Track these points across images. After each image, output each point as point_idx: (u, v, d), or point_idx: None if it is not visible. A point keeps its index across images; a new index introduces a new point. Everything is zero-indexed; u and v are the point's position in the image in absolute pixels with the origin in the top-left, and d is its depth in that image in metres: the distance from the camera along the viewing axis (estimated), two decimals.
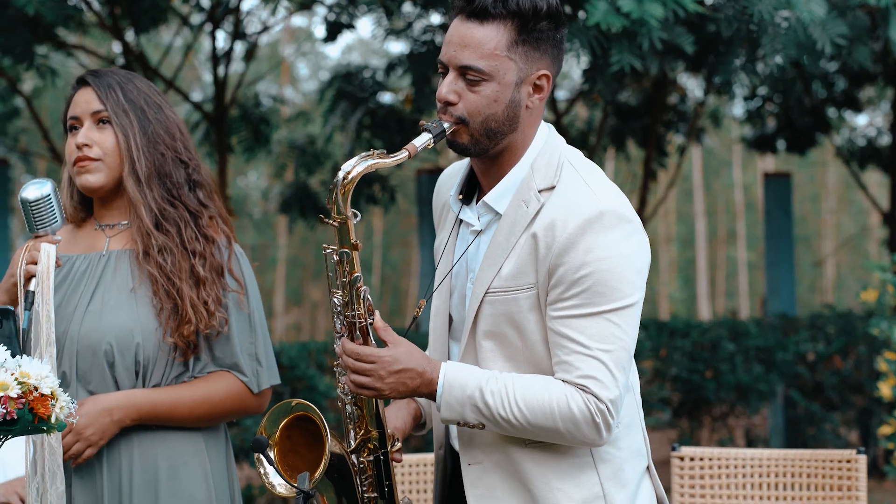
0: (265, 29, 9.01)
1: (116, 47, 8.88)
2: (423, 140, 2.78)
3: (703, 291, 28.80)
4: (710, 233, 30.56)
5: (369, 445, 2.92)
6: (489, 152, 2.83)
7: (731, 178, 29.50)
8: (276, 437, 2.90)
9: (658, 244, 30.52)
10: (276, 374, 3.37)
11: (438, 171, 9.93)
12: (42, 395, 2.69)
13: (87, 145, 3.24)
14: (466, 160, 2.95)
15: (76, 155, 3.26)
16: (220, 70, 8.68)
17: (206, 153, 9.69)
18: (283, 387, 8.18)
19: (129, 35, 8.79)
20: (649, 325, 10.39)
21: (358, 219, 2.80)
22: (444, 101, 2.78)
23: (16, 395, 2.65)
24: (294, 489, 2.82)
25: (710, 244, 30.48)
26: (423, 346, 2.95)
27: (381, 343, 2.83)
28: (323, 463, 2.80)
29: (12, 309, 2.85)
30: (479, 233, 2.88)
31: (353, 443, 2.92)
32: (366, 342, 2.82)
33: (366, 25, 10.30)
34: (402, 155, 2.77)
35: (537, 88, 2.83)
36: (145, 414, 3.19)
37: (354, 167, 2.76)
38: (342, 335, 2.84)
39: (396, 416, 3.04)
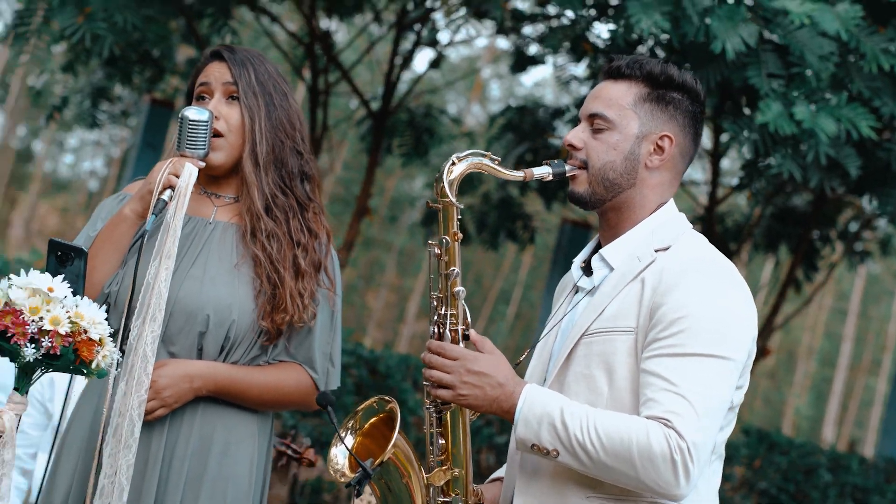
0: (450, 43, 9.05)
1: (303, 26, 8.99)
2: (541, 171, 2.88)
3: (832, 414, 28.13)
4: (855, 357, 29.83)
5: (450, 491, 2.89)
6: (605, 205, 2.89)
7: (891, 309, 28.79)
8: (364, 430, 2.92)
9: (798, 355, 29.91)
10: (339, 377, 3.42)
11: (584, 224, 9.88)
12: (90, 339, 2.75)
13: (215, 118, 3.28)
14: (592, 240, 2.99)
15: None
16: (396, 72, 8.75)
17: (363, 149, 9.78)
18: (374, 393, 8.21)
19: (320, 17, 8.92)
20: (751, 431, 10.16)
21: (461, 207, 2.83)
22: (569, 144, 2.90)
23: (64, 333, 2.71)
24: (359, 465, 2.80)
25: (851, 369, 29.75)
26: None
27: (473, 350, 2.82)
28: (384, 452, 2.79)
29: (85, 250, 2.90)
30: (589, 291, 2.90)
31: (431, 475, 2.89)
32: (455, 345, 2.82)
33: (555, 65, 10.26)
34: (517, 175, 2.89)
35: (658, 148, 2.90)
36: (222, 388, 3.23)
37: (463, 159, 2.87)
38: (433, 337, 2.83)
39: (489, 490, 3.02)
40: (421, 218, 10.29)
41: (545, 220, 10.27)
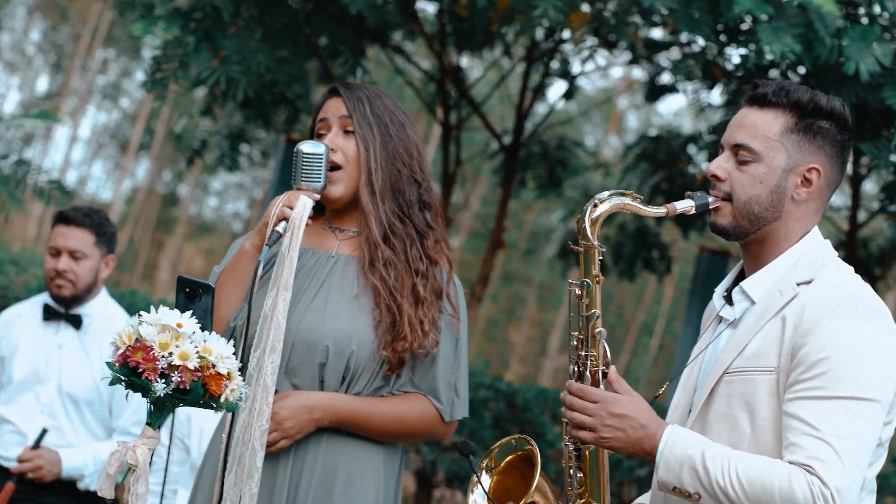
0: (581, 73, 9.03)
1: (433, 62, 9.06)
2: (684, 205, 2.81)
3: None
4: None
5: None
6: (748, 237, 2.84)
7: None
8: (499, 469, 2.93)
9: None
10: (467, 407, 3.40)
11: (723, 253, 9.74)
12: (218, 373, 2.79)
13: (332, 150, 3.33)
14: (735, 267, 2.96)
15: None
16: (527, 105, 8.76)
17: (497, 183, 9.79)
18: (513, 426, 8.19)
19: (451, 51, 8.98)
20: None
21: (603, 250, 2.81)
22: (713, 175, 2.83)
23: (193, 368, 2.76)
24: None
25: None
26: None
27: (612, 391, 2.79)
28: (525, 497, 2.80)
29: (212, 286, 2.95)
30: (731, 322, 2.85)
31: None
32: (595, 386, 2.79)
33: (689, 94, 10.19)
34: (660, 211, 2.83)
35: (806, 181, 2.82)
36: (343, 419, 3.26)
37: (605, 201, 2.81)
38: (573, 378, 2.82)
39: None
40: (557, 251, 10.25)
41: (683, 250, 10.13)
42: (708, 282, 9.50)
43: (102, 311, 4.92)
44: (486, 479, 2.91)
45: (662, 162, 9.82)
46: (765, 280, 2.83)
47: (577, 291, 2.82)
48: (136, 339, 2.76)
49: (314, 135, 3.41)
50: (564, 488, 2.90)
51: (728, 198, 2.80)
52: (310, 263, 3.35)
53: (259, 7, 7.34)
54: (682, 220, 9.82)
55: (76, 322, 4.87)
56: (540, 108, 9.95)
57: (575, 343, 2.82)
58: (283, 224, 3.24)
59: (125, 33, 30.62)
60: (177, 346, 2.75)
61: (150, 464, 4.61)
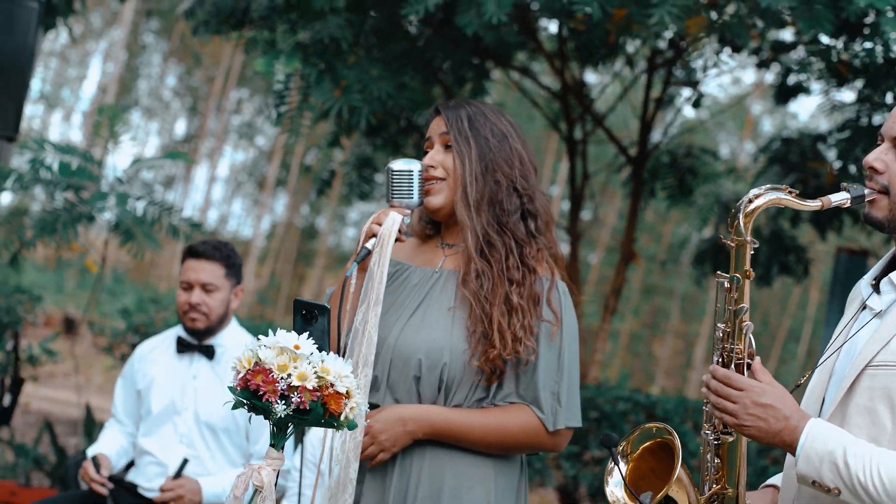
0: (702, 81, 8.93)
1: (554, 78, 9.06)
2: (839, 198, 2.78)
3: None
4: None
5: None
6: None
7: None
8: (635, 455, 2.93)
9: None
10: (577, 416, 3.37)
11: (861, 252, 9.54)
12: (337, 392, 2.82)
13: (431, 166, 3.39)
14: (885, 256, 2.92)
15: (424, 175, 3.40)
16: (651, 115, 8.70)
17: (627, 193, 9.74)
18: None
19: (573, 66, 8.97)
20: None
21: (755, 245, 2.80)
22: (870, 167, 2.80)
23: (312, 388, 2.80)
24: (636, 499, 2.82)
25: None
26: None
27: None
28: (666, 487, 2.80)
29: (328, 307, 3.00)
30: (878, 313, 2.82)
31: (706, 492, 2.88)
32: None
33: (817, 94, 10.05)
34: (815, 204, 2.79)
35: None
36: (438, 430, 3.27)
37: (760, 196, 2.80)
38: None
39: (761, 499, 2.99)
40: (691, 259, 10.15)
41: (822, 252, 9.95)
42: (847, 283, 9.30)
43: (234, 341, 5.01)
44: (621, 466, 2.91)
45: (795, 164, 9.67)
46: None
47: (726, 285, 2.81)
48: (256, 363, 2.81)
49: (423, 153, 3.46)
50: (701, 474, 2.90)
51: (885, 190, 2.78)
52: (415, 280, 3.41)
53: (377, 36, 7.42)
54: (818, 222, 9.65)
55: (209, 353, 4.98)
56: (667, 118, 9.86)
57: (721, 335, 2.81)
58: (371, 241, 3.30)
59: (256, 73, 31.14)
60: (295, 368, 2.80)
61: (288, 488, 4.68)
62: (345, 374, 2.83)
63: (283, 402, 2.78)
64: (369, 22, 7.32)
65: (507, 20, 6.61)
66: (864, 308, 2.88)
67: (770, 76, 9.59)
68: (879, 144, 2.83)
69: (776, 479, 3.07)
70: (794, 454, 2.71)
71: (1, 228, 7.51)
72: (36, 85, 29.11)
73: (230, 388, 2.84)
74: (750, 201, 2.80)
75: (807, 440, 2.68)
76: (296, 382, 2.78)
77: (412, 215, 3.43)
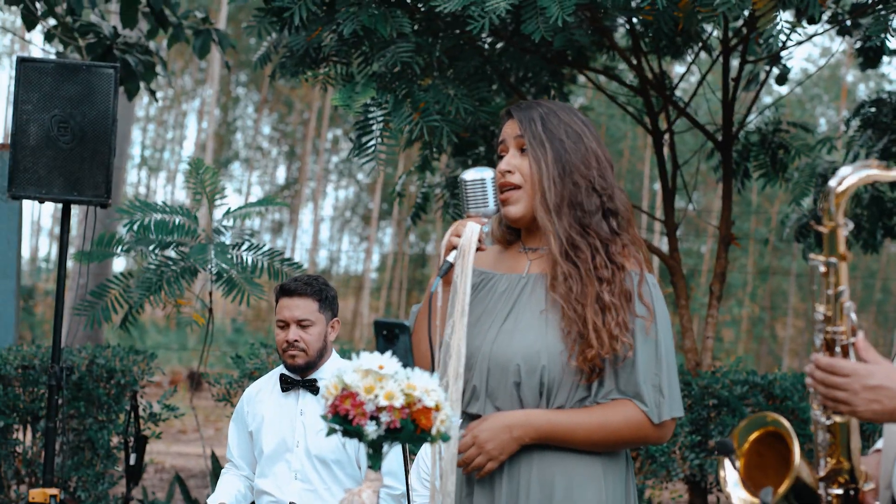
0: (779, 52, 8.83)
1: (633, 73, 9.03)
2: None
3: None
4: None
5: (840, 479, 2.85)
6: None
7: None
8: (745, 448, 2.91)
9: None
10: (680, 406, 3.35)
11: None
12: (425, 407, 2.85)
13: (508, 171, 3.37)
14: None
15: (500, 181, 3.39)
16: (731, 95, 8.62)
17: (719, 178, 9.66)
18: None
19: (653, 59, 8.93)
20: None
21: (850, 228, 2.76)
22: None
23: (400, 406, 2.83)
24: (757, 499, 2.80)
25: None
26: None
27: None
28: (788, 480, 2.77)
29: (408, 325, 3.03)
30: None
31: (821, 471, 2.86)
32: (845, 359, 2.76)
33: None
34: None
35: None
36: (543, 434, 3.27)
37: (849, 176, 2.75)
38: (820, 352, 2.79)
39: (876, 467, 2.97)
40: (792, 234, 10.02)
41: None
42: None
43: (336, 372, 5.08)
44: (731, 468, 2.88)
45: (888, 125, 9.51)
46: None
47: (823, 269, 2.78)
48: (343, 388, 2.85)
49: (498, 158, 3.45)
50: (815, 451, 2.88)
51: None
52: (502, 287, 3.41)
53: (448, 54, 7.47)
54: None
55: (313, 387, 5.05)
56: (749, 98, 9.75)
57: (822, 317, 2.79)
58: (452, 254, 3.31)
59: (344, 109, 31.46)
60: (381, 388, 2.82)
61: None
62: (431, 388, 2.86)
63: (374, 422, 2.82)
64: (439, 43, 7.37)
65: (572, 21, 6.61)
66: None
67: (856, 42, 9.43)
68: None
69: (882, 443, 3.04)
70: None
71: (113, 292, 7.68)
72: (136, 150, 29.70)
73: (322, 417, 2.89)
74: (839, 183, 2.74)
75: None
76: (383, 402, 2.81)
77: (490, 223, 3.43)
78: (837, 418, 2.80)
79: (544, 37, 6.58)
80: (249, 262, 7.60)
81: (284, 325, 5.03)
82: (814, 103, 28.68)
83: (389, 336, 3.04)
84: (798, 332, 29.20)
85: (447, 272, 3.32)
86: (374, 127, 7.22)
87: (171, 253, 7.61)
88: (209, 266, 7.46)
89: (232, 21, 27.29)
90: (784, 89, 17.27)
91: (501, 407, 3.31)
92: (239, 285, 7.45)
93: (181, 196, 30.53)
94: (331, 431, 2.89)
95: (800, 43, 8.77)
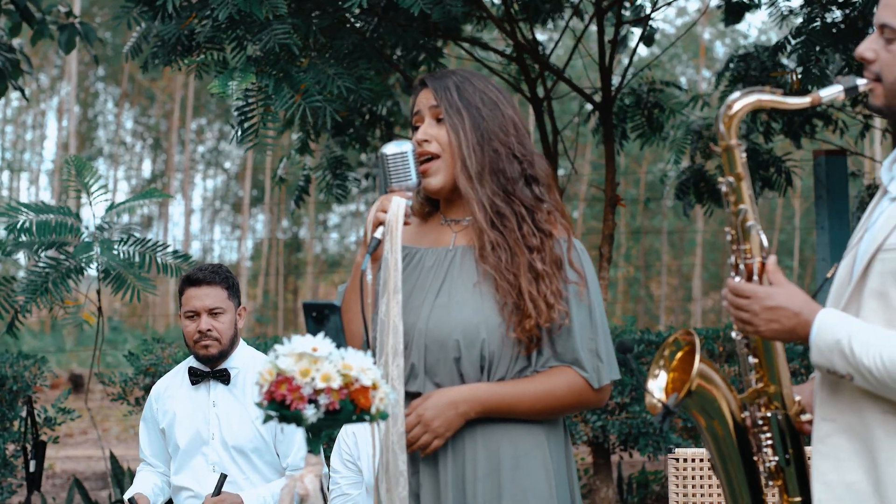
0: (654, 9, 8.93)
1: (508, 40, 9.07)
2: (831, 91, 2.84)
3: None
4: None
5: (769, 405, 2.94)
6: None
7: None
8: (673, 365, 3.01)
9: None
10: (616, 368, 3.37)
11: (839, 152, 9.56)
12: (363, 386, 2.82)
13: (426, 140, 3.34)
14: None
15: (417, 151, 3.35)
16: (607, 59, 8.70)
17: (598, 142, 9.74)
18: None
19: (524, 27, 8.97)
20: None
21: (743, 148, 2.88)
22: (860, 57, 2.84)
23: (338, 387, 2.79)
24: (657, 401, 2.94)
25: None
26: None
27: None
28: (687, 384, 2.88)
29: (338, 304, 3.00)
30: (894, 198, 2.86)
31: (745, 392, 2.96)
32: (750, 279, 2.86)
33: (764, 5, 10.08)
34: (804, 101, 2.84)
35: None
36: (489, 407, 3.26)
37: (738, 100, 2.86)
38: (732, 273, 2.90)
39: (804, 390, 3.04)
40: (674, 193, 10.16)
41: (801, 160, 9.97)
42: (831, 184, 9.33)
43: (247, 361, 5.02)
44: (663, 376, 3.01)
45: (756, 79, 9.67)
46: None
47: (724, 189, 2.90)
48: (278, 373, 2.81)
49: (413, 129, 3.42)
50: (743, 377, 2.99)
51: (878, 78, 2.81)
52: (430, 262, 3.38)
53: (325, 34, 7.41)
54: (792, 130, 9.66)
55: (224, 377, 4.98)
56: (624, 60, 9.86)
57: (729, 238, 2.90)
58: (380, 229, 3.27)
59: (212, 98, 31.17)
60: (317, 370, 2.79)
61: (329, 491, 4.70)
62: (367, 366, 2.83)
63: (312, 406, 2.78)
64: (315, 23, 7.30)
65: None
66: (885, 194, 2.92)
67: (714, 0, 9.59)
68: (871, 34, 2.87)
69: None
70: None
71: None
72: None
73: (257, 405, 2.84)
74: (729, 106, 2.85)
75: (817, 332, 2.76)
76: (320, 385, 2.77)
77: (413, 195, 3.39)
78: (737, 336, 2.94)
79: (423, 10, 6.57)
80: (136, 257, 7.46)
81: (194, 315, 4.95)
82: (673, 63, 29.09)
83: (319, 317, 3.00)
84: (672, 289, 29.68)
85: (376, 249, 3.28)
86: (255, 113, 7.13)
87: (54, 253, 7.43)
88: (95, 264, 7.30)
89: (86, 14, 26.77)
90: (646, 51, 17.50)
91: (442, 383, 3.29)
92: (128, 282, 7.31)
93: (46, 196, 29.90)
94: (267, 418, 2.84)
95: (668, 3, 8.88)
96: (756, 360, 2.95)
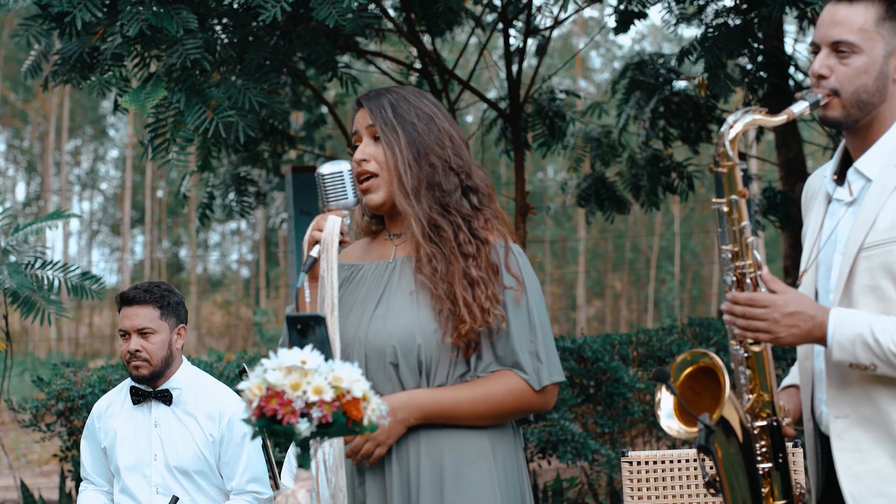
0: (557, 24, 9.02)
1: (413, 52, 9.08)
2: (800, 107, 3.03)
3: None
4: None
5: (761, 413, 3.04)
6: (859, 124, 3.04)
7: None
8: (679, 383, 3.06)
9: None
10: (559, 370, 3.39)
11: (741, 156, 9.74)
12: (354, 398, 2.78)
13: (364, 160, 3.39)
14: (838, 150, 3.20)
15: (356, 171, 3.40)
16: (515, 68, 8.75)
17: (503, 151, 9.78)
18: (587, 380, 8.19)
19: (426, 39, 8.97)
20: None
21: (744, 166, 2.99)
22: (817, 75, 3.03)
23: (330, 399, 2.75)
24: (698, 424, 2.94)
25: None
26: None
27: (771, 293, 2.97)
28: (720, 406, 2.93)
29: (323, 316, 2.96)
30: (851, 202, 3.06)
31: (746, 405, 3.05)
32: (755, 291, 2.98)
33: (658, 12, 10.29)
34: (782, 117, 3.03)
35: None
36: (428, 412, 3.28)
37: (737, 121, 3.00)
38: (731, 289, 3.00)
39: (788, 401, 3.19)
40: (577, 200, 10.24)
41: (697, 166, 10.14)
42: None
43: (188, 380, 4.92)
44: (668, 397, 3.03)
45: (655, 85, 9.81)
46: (877, 157, 3.04)
47: (725, 209, 2.99)
48: (267, 388, 2.75)
49: (352, 149, 3.45)
50: (738, 387, 3.07)
51: (835, 93, 3.01)
52: (371, 275, 3.42)
53: (235, 49, 7.33)
54: (689, 137, 9.82)
55: (166, 398, 4.88)
56: (526, 69, 9.92)
57: (729, 255, 2.99)
58: (316, 248, 3.31)
59: (87, 118, 30.68)
60: (308, 383, 2.74)
61: None
62: (357, 378, 2.79)
63: (305, 419, 2.73)
64: (223, 38, 7.22)
65: (364, 2, 6.57)
66: (832, 202, 3.12)
67: (592, 11, 9.71)
68: (814, 53, 3.07)
69: (792, 378, 3.28)
70: (825, 346, 2.93)
71: None
72: None
73: (245, 421, 2.77)
74: (730, 127, 2.98)
75: (835, 330, 2.91)
76: (312, 398, 2.72)
77: (351, 215, 3.44)
78: (756, 349, 3.01)
79: (338, 22, 6.53)
80: (45, 280, 7.28)
81: (126, 335, 4.85)
82: (548, 71, 29.44)
83: (304, 329, 2.95)
84: (556, 298, 29.95)
85: (311, 267, 3.31)
86: (166, 128, 7.02)
87: None
88: (3, 286, 7.11)
89: None
90: (534, 61, 17.61)
91: (382, 391, 3.30)
92: (39, 305, 7.12)
93: None
94: (256, 434, 2.78)
95: (574, 12, 8.95)
96: (750, 372, 3.04)
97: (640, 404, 8.22)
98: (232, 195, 9.42)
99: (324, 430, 2.76)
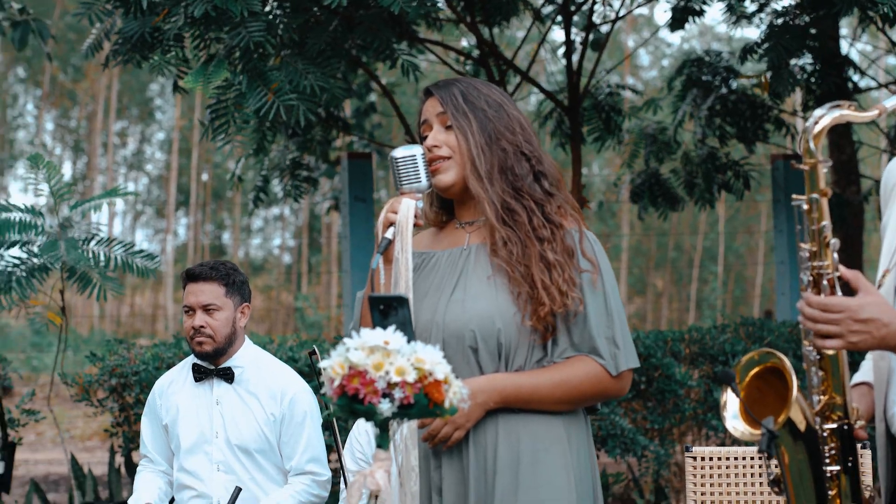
0: (619, 18, 8.99)
1: (470, 41, 9.07)
2: (893, 102, 2.90)
3: None
4: None
5: (832, 416, 2.95)
6: None
7: None
8: (745, 383, 2.98)
9: None
10: (635, 356, 3.39)
11: (795, 156, 9.68)
12: (436, 380, 2.78)
13: (435, 146, 3.41)
14: None
15: (429, 157, 3.41)
16: (573, 61, 8.72)
17: (559, 143, 9.76)
18: (639, 375, 8.16)
19: (484, 30, 8.95)
20: None
21: (829, 164, 2.88)
22: None
23: (412, 381, 2.74)
24: (761, 427, 2.86)
25: None
26: None
27: (852, 293, 2.88)
28: (787, 409, 2.85)
29: (406, 297, 2.95)
30: None
31: (816, 407, 2.96)
32: (833, 295, 2.87)
33: (713, 11, 10.23)
34: (873, 113, 2.90)
35: None
36: (507, 396, 3.28)
37: (823, 116, 2.88)
38: (807, 289, 2.90)
39: (860, 400, 3.10)
40: (630, 196, 10.20)
41: (755, 164, 10.08)
42: (788, 187, 9.45)
43: (249, 359, 4.94)
44: (733, 398, 2.95)
45: (710, 84, 9.77)
46: None
47: (805, 206, 2.89)
48: (350, 367, 2.75)
49: (421, 139, 3.47)
50: (808, 388, 2.99)
51: None
52: (445, 262, 3.43)
53: (298, 33, 7.34)
54: (745, 136, 9.76)
55: (228, 375, 4.89)
56: (585, 63, 9.90)
57: (806, 254, 2.89)
58: (390, 230, 3.31)
59: (135, 100, 30.83)
60: (391, 364, 2.73)
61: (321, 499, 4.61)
62: (438, 360, 2.78)
63: (387, 400, 2.73)
64: (285, 22, 7.23)
65: None
66: None
67: (642, 9, 9.67)
68: None
69: (864, 375, 3.18)
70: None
71: None
72: None
73: (325, 399, 2.78)
74: (816, 122, 2.88)
75: None
76: (395, 378, 2.72)
77: (424, 199, 3.45)
78: (829, 352, 2.91)
79: (403, 8, 6.53)
80: (102, 256, 7.32)
81: (190, 311, 4.87)
82: (601, 67, 29.34)
83: (386, 310, 2.95)
84: None
85: (387, 248, 3.32)
86: (227, 109, 7.05)
87: (17, 252, 7.27)
88: (60, 262, 7.15)
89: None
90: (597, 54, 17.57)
91: (462, 375, 3.26)
92: (94, 281, 7.16)
93: None
94: (336, 412, 2.78)
95: (638, 6, 8.92)
96: (823, 373, 2.96)
97: (691, 402, 8.18)
98: (286, 179, 9.43)
99: (405, 411, 2.76)
